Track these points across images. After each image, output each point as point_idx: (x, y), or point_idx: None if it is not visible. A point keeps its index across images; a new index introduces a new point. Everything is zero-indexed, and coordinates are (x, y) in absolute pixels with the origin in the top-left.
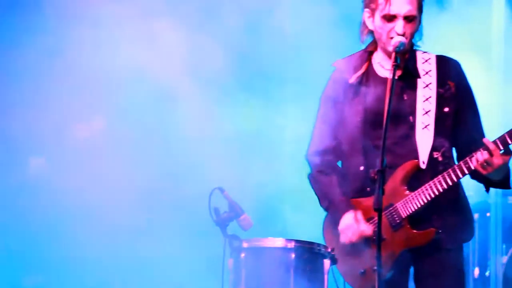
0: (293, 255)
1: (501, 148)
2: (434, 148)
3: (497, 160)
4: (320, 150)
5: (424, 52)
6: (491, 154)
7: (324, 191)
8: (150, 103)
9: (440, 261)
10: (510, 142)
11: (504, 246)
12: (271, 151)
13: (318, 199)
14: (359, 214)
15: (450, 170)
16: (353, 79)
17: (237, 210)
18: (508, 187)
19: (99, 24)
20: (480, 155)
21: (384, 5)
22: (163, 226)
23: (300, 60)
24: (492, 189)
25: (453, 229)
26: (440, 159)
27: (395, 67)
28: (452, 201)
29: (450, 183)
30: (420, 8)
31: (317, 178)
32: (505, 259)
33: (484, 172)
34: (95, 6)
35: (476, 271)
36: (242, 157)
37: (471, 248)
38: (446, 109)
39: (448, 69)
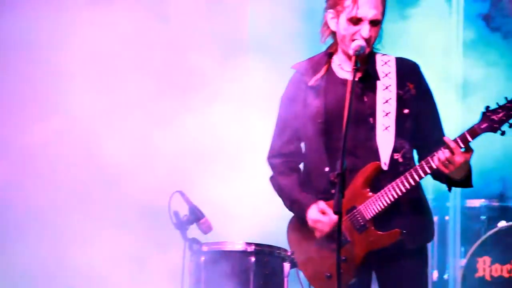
0: (253, 259)
1: (462, 146)
2: (394, 150)
3: (459, 158)
4: (281, 152)
5: (384, 54)
6: (452, 152)
7: (285, 191)
8: (104, 104)
9: (402, 262)
10: (470, 139)
11: (462, 249)
12: (232, 154)
13: (282, 200)
14: (322, 204)
15: (412, 170)
16: (312, 81)
17: (197, 213)
18: (469, 185)
19: (56, 23)
20: (442, 154)
21: (351, 8)
22: (122, 228)
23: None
24: (451, 193)
25: (415, 230)
26: (400, 160)
27: (355, 70)
28: (413, 201)
29: (413, 183)
30: (383, 13)
31: (278, 180)
32: (463, 262)
33: (446, 171)
34: (52, 6)
35: (435, 274)
36: (204, 159)
37: (430, 251)
38: (406, 111)
39: (407, 71)
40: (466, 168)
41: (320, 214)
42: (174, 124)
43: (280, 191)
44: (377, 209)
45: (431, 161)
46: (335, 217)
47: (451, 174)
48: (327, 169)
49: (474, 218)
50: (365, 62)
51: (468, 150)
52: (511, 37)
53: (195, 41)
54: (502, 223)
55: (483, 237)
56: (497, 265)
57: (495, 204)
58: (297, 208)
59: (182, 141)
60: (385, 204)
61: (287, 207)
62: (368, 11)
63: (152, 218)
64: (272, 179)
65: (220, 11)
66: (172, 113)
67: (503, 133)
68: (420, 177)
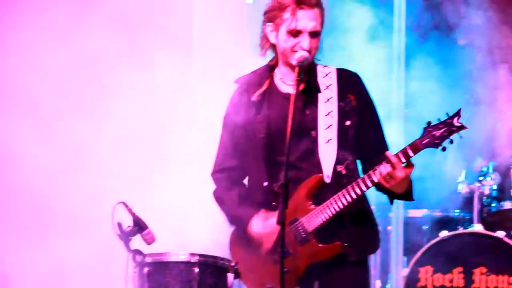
0: (196, 269)
1: (403, 160)
2: (337, 161)
3: (400, 173)
4: (224, 167)
5: (325, 66)
6: (393, 167)
7: (226, 205)
8: (52, 107)
9: (345, 274)
10: (411, 154)
11: (405, 258)
12: (176, 165)
13: (224, 214)
14: (262, 213)
15: (354, 184)
16: (255, 96)
17: (140, 224)
18: (411, 199)
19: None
20: (383, 168)
21: (290, 20)
22: (65, 239)
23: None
24: (393, 203)
25: (358, 242)
26: (343, 172)
27: (299, 81)
28: (358, 213)
29: (355, 196)
30: (323, 24)
31: (220, 194)
32: (406, 271)
33: (387, 185)
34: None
35: (378, 284)
36: (146, 171)
37: (372, 261)
38: (348, 123)
39: (348, 82)
40: (407, 182)
41: (262, 228)
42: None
43: (222, 205)
44: (319, 221)
45: (372, 175)
46: (276, 229)
47: (392, 188)
48: (265, 183)
49: (416, 228)
50: (306, 74)
51: (409, 165)
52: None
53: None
54: (444, 233)
55: (425, 247)
56: (439, 274)
57: (437, 214)
58: (238, 222)
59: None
60: (327, 217)
61: (228, 221)
62: (307, 23)
63: (96, 228)
64: (214, 193)
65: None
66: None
67: (444, 149)
68: (362, 191)
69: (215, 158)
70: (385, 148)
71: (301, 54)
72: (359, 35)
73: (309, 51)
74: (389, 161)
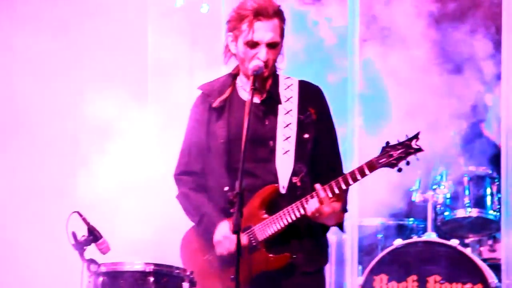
0: (151, 279)
1: (330, 195)
2: (294, 173)
3: (327, 209)
4: (188, 170)
5: (287, 77)
6: (321, 202)
7: (196, 205)
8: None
9: (299, 285)
10: (337, 190)
11: (359, 267)
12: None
13: (189, 214)
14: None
15: (298, 203)
16: (217, 102)
17: (95, 234)
18: (342, 230)
19: None
20: (312, 204)
21: (247, 32)
22: (20, 249)
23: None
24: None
25: (311, 253)
26: (298, 184)
27: (253, 90)
28: (310, 225)
29: (298, 216)
30: (282, 34)
31: (188, 194)
32: (361, 280)
33: (315, 220)
34: None
35: None
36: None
37: (327, 270)
38: (306, 136)
39: (309, 96)
40: (336, 217)
41: (230, 232)
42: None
43: (190, 205)
44: (271, 232)
45: (305, 204)
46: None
47: (321, 222)
48: (226, 188)
49: (371, 236)
50: (266, 84)
51: (339, 198)
52: None
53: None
54: (398, 241)
55: (380, 255)
56: (394, 282)
57: (391, 222)
58: (207, 221)
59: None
60: (278, 228)
61: (195, 222)
62: (264, 35)
63: (50, 238)
64: (181, 194)
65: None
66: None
67: (400, 170)
68: (301, 214)
69: (178, 160)
70: (339, 165)
71: (255, 64)
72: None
73: (266, 62)
74: (317, 195)
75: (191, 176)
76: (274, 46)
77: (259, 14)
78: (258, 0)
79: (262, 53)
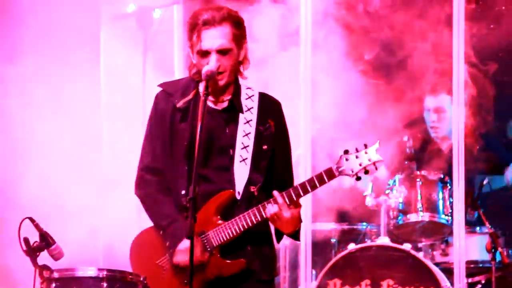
0: (105, 284)
1: (288, 202)
2: (251, 183)
3: (286, 214)
4: (152, 167)
5: (248, 87)
6: (279, 208)
7: (164, 208)
8: None
9: None
10: (295, 198)
11: (313, 272)
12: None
13: (155, 216)
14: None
15: (255, 209)
16: (181, 103)
17: (48, 240)
18: (297, 239)
19: None
20: (271, 208)
21: (196, 42)
22: None
23: None
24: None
25: (268, 261)
26: (255, 194)
27: (206, 95)
28: (266, 233)
29: (255, 222)
30: (237, 39)
31: (155, 196)
32: (314, 285)
33: (273, 224)
34: None
35: None
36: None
37: (282, 275)
38: (265, 147)
39: (269, 108)
40: (294, 223)
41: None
42: None
43: (156, 207)
44: (225, 237)
45: (262, 210)
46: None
47: (279, 228)
48: (183, 192)
49: (324, 241)
50: (225, 92)
51: (297, 205)
52: None
53: None
54: (352, 246)
55: (334, 260)
56: (347, 287)
57: (345, 227)
58: (175, 228)
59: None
60: (234, 234)
61: (161, 226)
62: (212, 42)
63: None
64: (143, 192)
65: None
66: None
67: (358, 179)
68: (258, 220)
69: (142, 156)
70: (291, 181)
71: (207, 68)
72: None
73: (218, 69)
74: (275, 201)
75: (157, 176)
76: (225, 53)
77: (207, 22)
78: (210, 7)
79: (212, 60)
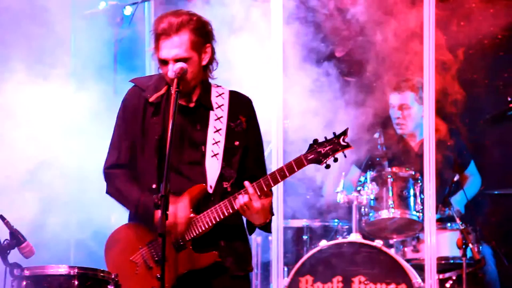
0: (76, 282)
1: (258, 193)
2: (224, 178)
3: (256, 204)
4: (120, 163)
5: (218, 86)
6: (249, 198)
7: (131, 194)
8: None
9: (225, 286)
10: (265, 188)
11: (285, 268)
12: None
13: (125, 203)
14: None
15: (226, 201)
16: (153, 98)
17: (18, 238)
18: (268, 231)
19: None
20: (241, 198)
21: (155, 51)
22: None
23: None
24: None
25: (242, 257)
26: (229, 189)
27: (177, 93)
28: (239, 227)
29: (226, 214)
30: (197, 46)
31: (120, 187)
32: (286, 281)
33: (244, 215)
34: None
35: None
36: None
37: (254, 271)
38: (236, 143)
39: (240, 105)
40: (265, 214)
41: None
42: None
43: (124, 195)
44: (197, 230)
45: (233, 201)
46: (182, 216)
47: (250, 219)
48: (154, 186)
49: (296, 238)
50: (194, 93)
51: (268, 194)
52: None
53: None
54: (324, 243)
55: (305, 257)
56: (319, 283)
57: (317, 224)
58: (144, 208)
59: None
60: (206, 227)
61: (132, 210)
62: (168, 52)
63: None
64: (112, 188)
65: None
66: None
67: (328, 167)
68: (229, 212)
69: (109, 153)
70: (264, 176)
71: (178, 66)
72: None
73: (180, 75)
74: (246, 191)
75: (122, 169)
76: (184, 61)
77: (163, 32)
78: (170, 13)
79: (170, 70)
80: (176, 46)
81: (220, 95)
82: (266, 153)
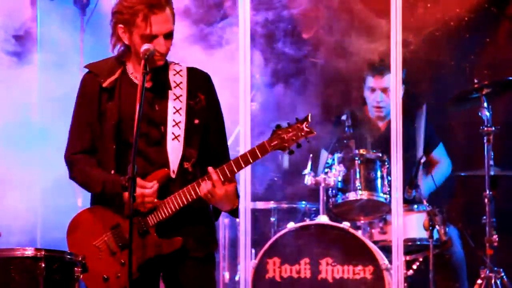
0: (43, 265)
1: (222, 179)
2: (185, 159)
3: (219, 191)
4: (81, 150)
5: (176, 63)
6: (213, 185)
7: (95, 175)
8: None
9: (189, 269)
10: (229, 174)
11: (253, 250)
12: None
13: (89, 186)
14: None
15: (190, 187)
16: (107, 83)
17: None
18: (235, 216)
19: None
20: (204, 186)
21: (144, 27)
22: None
23: None
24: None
25: (203, 238)
26: (190, 169)
27: (145, 74)
28: (202, 210)
29: (190, 200)
30: (174, 20)
31: (84, 170)
32: (254, 263)
33: (209, 202)
34: None
35: (226, 276)
36: None
37: (221, 253)
38: (196, 121)
39: (198, 82)
40: (230, 201)
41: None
42: None
43: (89, 177)
44: (160, 216)
45: (197, 188)
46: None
47: (215, 205)
48: (112, 171)
49: (264, 220)
50: (157, 70)
51: (232, 181)
52: None
53: None
54: (291, 225)
55: (273, 239)
56: (287, 265)
57: (284, 206)
58: (111, 186)
59: None
60: (169, 212)
61: (97, 189)
62: (161, 27)
63: None
64: (76, 171)
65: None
66: None
67: (291, 152)
68: (193, 198)
69: (68, 141)
70: (227, 153)
71: (146, 47)
72: None
73: (165, 52)
74: (209, 178)
75: (84, 154)
76: (170, 36)
77: (153, 6)
78: None
79: (161, 45)
80: (167, 20)
81: (178, 72)
82: (233, 135)
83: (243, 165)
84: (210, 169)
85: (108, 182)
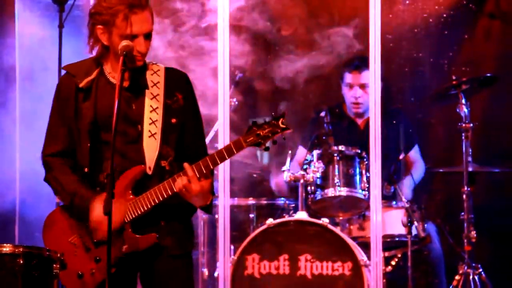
0: (21, 261)
1: (198, 175)
2: (162, 157)
3: (195, 187)
4: (59, 151)
5: (154, 63)
6: (188, 180)
7: (66, 186)
8: None
9: (167, 268)
10: (204, 170)
11: (232, 247)
12: None
13: (60, 195)
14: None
15: (165, 183)
16: (83, 83)
17: None
18: (209, 212)
19: None
20: (180, 181)
21: (124, 27)
22: None
23: None
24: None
25: (180, 236)
26: (167, 168)
27: (123, 71)
28: (180, 207)
29: (165, 196)
30: (153, 21)
31: (58, 177)
32: (233, 259)
33: (184, 198)
34: None
35: (205, 273)
36: None
37: (200, 250)
38: (174, 120)
39: (176, 81)
40: (205, 196)
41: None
42: None
43: (60, 186)
44: (136, 213)
45: (172, 183)
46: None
47: (190, 201)
48: (86, 169)
49: (243, 216)
50: (135, 69)
51: (207, 176)
52: None
53: None
54: (270, 221)
55: (252, 235)
56: (266, 262)
57: (263, 202)
58: (79, 201)
59: None
60: (145, 209)
61: (67, 203)
62: (141, 27)
63: None
64: (50, 176)
65: None
66: None
67: (267, 149)
68: (168, 194)
69: (46, 140)
70: (204, 152)
71: (124, 44)
72: None
73: (145, 52)
74: (185, 173)
75: (61, 157)
76: (149, 36)
77: (134, 6)
78: None
79: (141, 45)
80: (147, 20)
81: (155, 72)
82: (212, 132)
83: (218, 161)
84: (185, 165)
85: (77, 197)
